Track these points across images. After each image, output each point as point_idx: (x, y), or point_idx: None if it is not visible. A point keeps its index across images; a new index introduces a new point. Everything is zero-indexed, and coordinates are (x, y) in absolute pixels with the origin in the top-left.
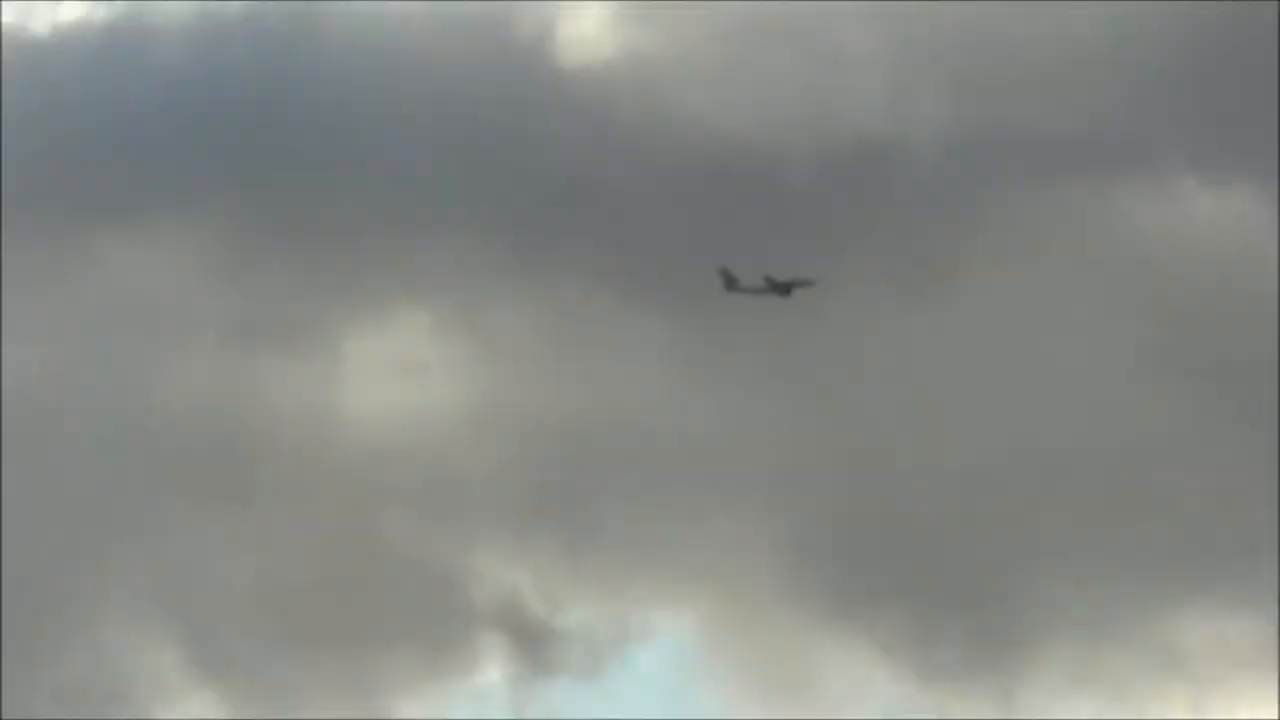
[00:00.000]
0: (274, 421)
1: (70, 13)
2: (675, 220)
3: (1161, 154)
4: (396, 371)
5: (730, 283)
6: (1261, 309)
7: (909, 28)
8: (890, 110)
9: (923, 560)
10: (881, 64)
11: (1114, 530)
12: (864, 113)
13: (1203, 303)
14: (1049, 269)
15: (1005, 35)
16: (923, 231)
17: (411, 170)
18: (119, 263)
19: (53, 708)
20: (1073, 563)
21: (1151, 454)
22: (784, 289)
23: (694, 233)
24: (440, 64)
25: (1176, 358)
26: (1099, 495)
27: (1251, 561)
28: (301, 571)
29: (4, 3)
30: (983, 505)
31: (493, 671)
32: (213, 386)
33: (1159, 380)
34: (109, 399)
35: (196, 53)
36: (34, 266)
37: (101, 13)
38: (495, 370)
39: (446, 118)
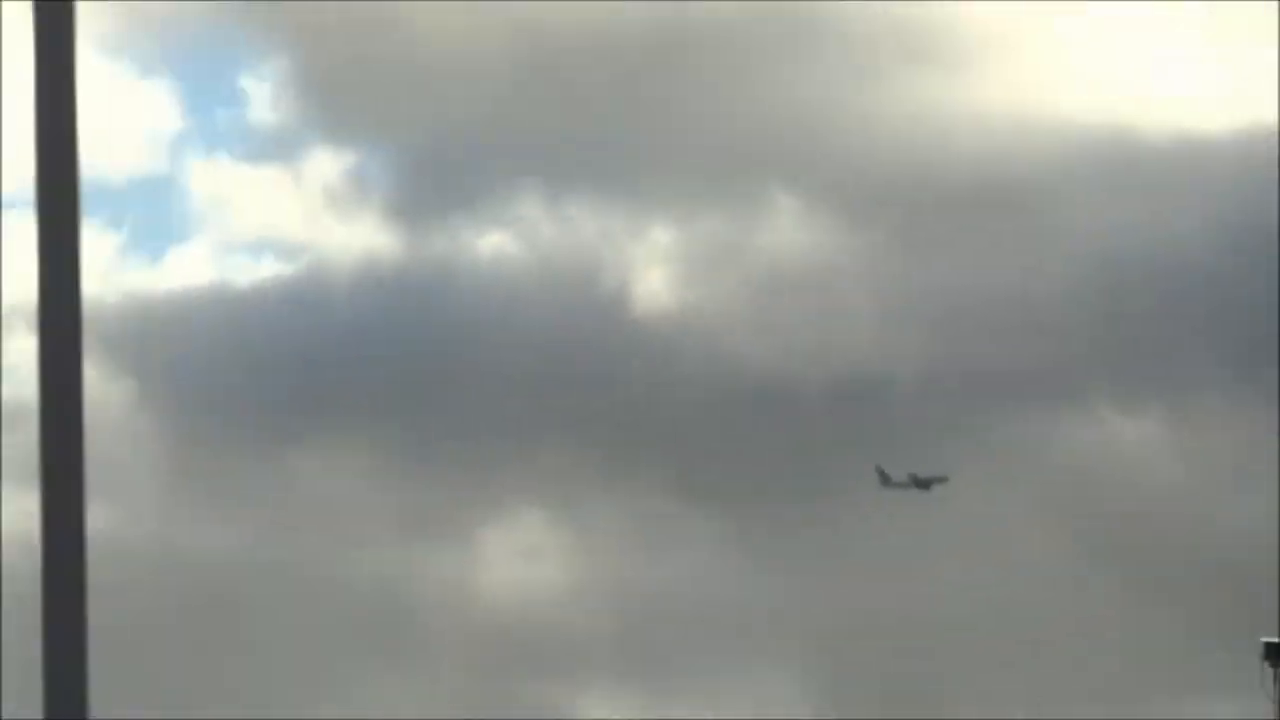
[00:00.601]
0: (424, 596)
1: (265, 271)
2: (727, 436)
3: (1088, 388)
4: (518, 557)
5: (884, 479)
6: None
7: (895, 284)
8: (880, 350)
9: None
10: (874, 313)
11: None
12: (861, 351)
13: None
14: (1005, 484)
15: (971, 291)
16: (906, 450)
17: (525, 399)
18: (304, 474)
19: None
20: None
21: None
22: (925, 484)
23: (740, 447)
24: (540, 313)
25: (1106, 556)
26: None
27: None
28: (446, 711)
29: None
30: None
31: None
32: (378, 569)
33: (1091, 572)
34: (301, 578)
35: (352, 311)
36: (236, 478)
37: (289, 270)
38: (593, 556)
39: (547, 359)
